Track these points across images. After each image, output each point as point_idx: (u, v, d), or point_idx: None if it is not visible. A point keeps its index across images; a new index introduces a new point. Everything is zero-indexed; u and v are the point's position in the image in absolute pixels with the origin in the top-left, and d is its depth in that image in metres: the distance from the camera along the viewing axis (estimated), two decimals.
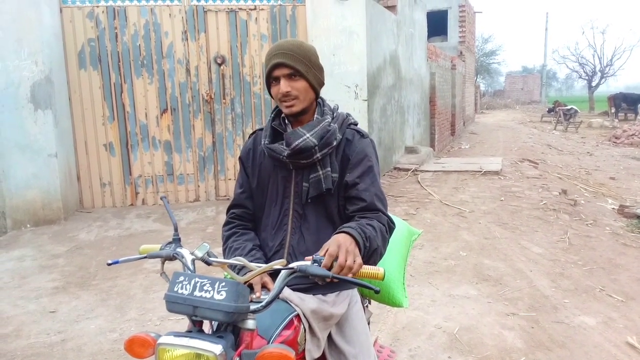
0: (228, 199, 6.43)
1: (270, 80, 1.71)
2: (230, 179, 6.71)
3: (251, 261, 1.56)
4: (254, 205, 1.88)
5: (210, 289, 1.26)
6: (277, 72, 1.68)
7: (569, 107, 20.62)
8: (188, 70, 6.48)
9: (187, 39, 6.43)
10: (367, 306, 2.08)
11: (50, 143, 5.85)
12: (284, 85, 1.67)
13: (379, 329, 3.31)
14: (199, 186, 6.70)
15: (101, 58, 6.31)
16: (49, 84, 5.83)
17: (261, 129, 1.89)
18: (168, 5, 6.35)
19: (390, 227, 1.71)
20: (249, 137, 1.92)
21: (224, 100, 6.59)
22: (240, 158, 1.90)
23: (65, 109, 6.18)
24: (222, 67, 6.52)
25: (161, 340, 1.27)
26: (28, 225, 5.84)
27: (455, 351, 3.08)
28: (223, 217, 1.96)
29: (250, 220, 1.89)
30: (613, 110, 24.63)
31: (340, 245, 1.42)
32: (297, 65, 1.67)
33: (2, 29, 5.63)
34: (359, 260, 1.40)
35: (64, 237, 5.47)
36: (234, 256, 1.70)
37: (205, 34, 6.45)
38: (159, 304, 3.82)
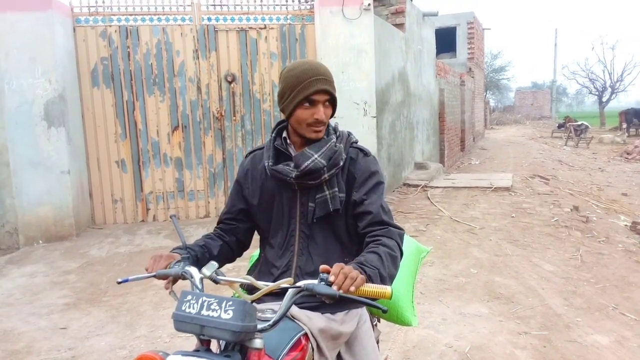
0: None
1: (304, 102, 1.68)
2: None
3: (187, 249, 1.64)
4: (236, 223, 1.90)
5: (217, 308, 1.27)
6: (318, 97, 1.67)
7: (579, 122, 20.51)
8: (199, 88, 6.56)
9: (198, 58, 6.51)
10: (376, 325, 2.06)
11: (63, 160, 5.92)
12: (322, 113, 1.68)
13: (389, 348, 3.29)
14: (209, 202, 6.73)
15: (114, 76, 6.41)
16: (62, 101, 5.92)
17: (257, 150, 1.89)
18: (180, 25, 6.45)
19: (400, 236, 1.70)
20: (245, 157, 1.91)
21: (234, 118, 6.65)
22: (237, 180, 1.89)
23: (78, 126, 6.27)
24: (232, 85, 6.60)
25: (169, 359, 1.28)
26: (40, 242, 5.90)
27: None
28: None
29: (233, 235, 1.91)
30: (624, 125, 24.48)
31: (343, 265, 1.42)
32: (334, 93, 1.71)
33: (17, 48, 5.74)
34: (360, 278, 1.39)
35: (75, 253, 5.51)
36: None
37: (216, 52, 6.54)
38: (168, 321, 3.82)
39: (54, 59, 5.85)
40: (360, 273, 1.42)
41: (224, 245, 1.87)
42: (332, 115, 1.76)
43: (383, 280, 1.52)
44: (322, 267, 1.41)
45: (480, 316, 3.80)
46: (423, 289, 4.31)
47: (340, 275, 1.36)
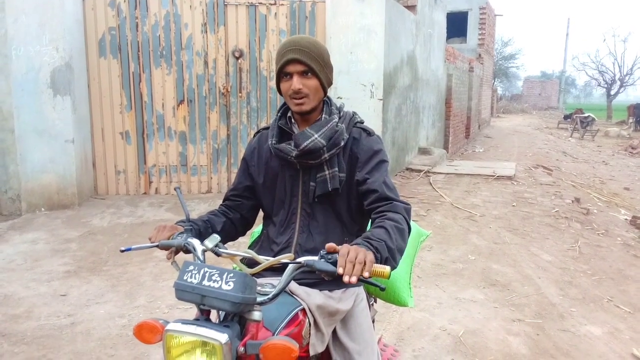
0: None
1: (282, 75, 1.70)
2: None
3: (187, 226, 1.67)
4: (241, 199, 1.92)
5: (218, 279, 1.29)
6: (291, 68, 1.67)
7: (586, 114, 20.39)
8: (206, 63, 6.53)
9: (206, 32, 6.47)
10: (372, 305, 2.09)
11: (68, 129, 5.93)
12: (297, 82, 1.66)
13: (384, 328, 3.33)
14: (211, 178, 6.75)
15: (121, 47, 6.38)
16: (69, 70, 5.91)
17: (265, 128, 1.90)
18: None
19: (407, 210, 1.69)
20: (254, 136, 1.94)
21: (240, 94, 6.62)
22: (244, 159, 1.91)
23: (84, 96, 6.26)
24: (239, 60, 6.56)
25: (169, 327, 1.31)
26: (42, 209, 5.94)
27: (459, 354, 3.09)
28: None
29: (237, 212, 1.94)
30: (631, 120, 24.32)
31: (350, 248, 1.38)
32: (311, 63, 1.67)
33: (25, 13, 5.71)
34: (370, 256, 1.36)
35: (77, 222, 5.55)
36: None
37: (224, 27, 6.49)
38: (168, 292, 3.87)
39: (62, 27, 5.81)
40: (367, 249, 1.41)
41: (227, 222, 1.89)
42: (324, 88, 1.74)
43: (391, 253, 1.51)
44: (329, 245, 1.38)
45: (475, 302, 3.84)
46: (420, 273, 4.35)
47: (348, 264, 1.32)
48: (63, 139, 5.93)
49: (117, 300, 3.77)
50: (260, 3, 6.52)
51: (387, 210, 1.65)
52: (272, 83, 6.66)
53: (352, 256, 1.33)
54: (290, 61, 1.66)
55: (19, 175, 5.93)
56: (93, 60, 6.33)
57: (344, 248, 1.36)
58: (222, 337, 1.26)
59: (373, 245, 1.46)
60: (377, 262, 1.42)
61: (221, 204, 1.97)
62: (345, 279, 1.31)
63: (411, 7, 8.71)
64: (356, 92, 6.51)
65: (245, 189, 1.91)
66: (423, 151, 9.76)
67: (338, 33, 6.50)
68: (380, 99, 6.76)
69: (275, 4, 6.54)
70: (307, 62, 1.66)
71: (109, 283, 4.06)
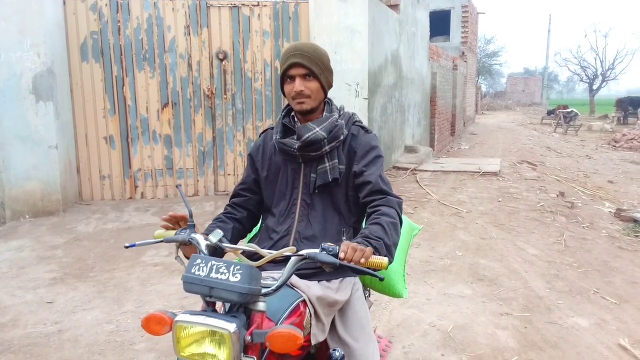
0: (227, 194, 6.45)
1: (285, 78, 1.84)
2: (229, 175, 6.74)
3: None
4: (251, 194, 2.00)
5: (225, 271, 1.35)
6: (293, 71, 1.80)
7: (569, 109, 20.63)
8: (190, 65, 6.50)
9: (189, 34, 6.44)
10: (367, 297, 2.15)
11: (51, 134, 5.87)
12: (298, 84, 1.79)
13: (374, 326, 3.33)
14: (198, 181, 6.72)
15: (103, 51, 6.33)
16: (51, 75, 5.85)
17: (271, 128, 2.03)
18: (171, 0, 6.36)
19: (399, 204, 1.81)
20: (260, 135, 2.07)
21: (225, 96, 6.60)
22: (250, 154, 2.03)
23: (67, 101, 6.20)
24: (223, 62, 6.54)
25: (178, 318, 1.35)
26: (27, 216, 5.87)
27: (449, 349, 3.11)
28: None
29: (245, 209, 2.00)
30: (613, 114, 24.63)
31: (350, 243, 1.49)
32: (312, 66, 1.80)
33: (5, 19, 5.64)
34: (369, 249, 1.49)
35: (62, 228, 5.50)
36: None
37: (207, 29, 6.47)
38: (156, 296, 3.84)
39: (43, 32, 5.75)
40: (366, 246, 1.52)
41: (235, 227, 1.95)
42: (325, 90, 1.87)
43: (388, 249, 1.65)
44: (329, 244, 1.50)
45: (463, 297, 3.87)
46: (409, 270, 4.36)
47: (350, 249, 1.45)
48: (46, 144, 5.87)
49: (104, 306, 3.73)
50: (243, 4, 6.51)
51: (381, 205, 1.77)
52: (257, 84, 6.65)
53: (353, 246, 1.47)
54: (293, 65, 1.80)
55: (2, 182, 5.85)
56: (75, 65, 6.27)
57: (344, 244, 1.48)
58: (231, 326, 1.31)
59: (372, 244, 1.57)
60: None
61: (228, 204, 2.04)
62: (346, 261, 1.44)
63: (394, 6, 8.75)
64: (341, 92, 6.52)
65: (254, 183, 2.00)
66: (409, 149, 9.80)
67: (322, 33, 6.51)
68: (366, 98, 6.78)
69: (258, 5, 6.53)
70: (308, 65, 1.79)
71: (95, 289, 4.03)
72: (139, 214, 5.95)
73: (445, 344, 3.17)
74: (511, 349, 3.13)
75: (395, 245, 1.72)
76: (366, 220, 1.78)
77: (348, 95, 6.64)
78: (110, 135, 6.46)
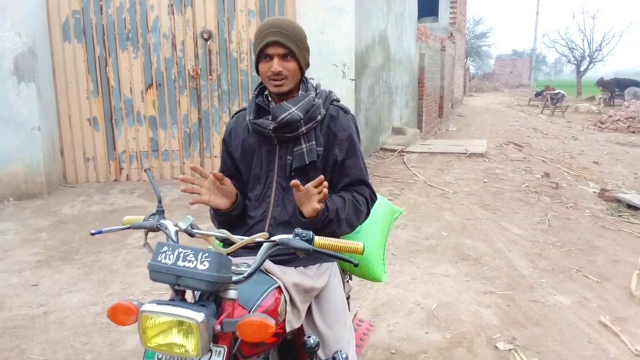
0: None
1: (262, 56, 1.73)
2: (216, 156, 6.70)
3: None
4: (236, 183, 1.89)
5: (193, 259, 1.30)
6: (271, 50, 1.70)
7: (556, 91, 20.70)
8: (174, 45, 6.41)
9: (173, 13, 6.34)
10: (347, 281, 2.12)
11: (34, 116, 5.79)
12: (277, 65, 1.69)
13: (359, 305, 3.37)
14: (184, 163, 6.68)
15: (86, 31, 6.22)
16: (33, 56, 5.75)
17: (243, 110, 1.93)
18: None
19: (372, 197, 1.83)
20: (232, 117, 1.96)
21: (210, 77, 6.54)
22: (223, 139, 1.94)
23: (49, 82, 6.10)
24: (208, 42, 6.46)
25: (144, 307, 1.30)
26: (11, 199, 5.81)
27: (433, 327, 3.15)
28: None
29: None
30: (600, 95, 24.77)
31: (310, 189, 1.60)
32: (292, 46, 1.70)
33: None
34: (320, 203, 1.59)
35: (47, 211, 5.45)
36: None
37: (191, 8, 6.37)
38: (141, 278, 3.84)
39: (23, 11, 5.63)
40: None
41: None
42: (302, 70, 1.78)
43: (338, 220, 1.69)
44: (293, 182, 1.56)
45: (448, 276, 3.91)
46: (395, 250, 4.40)
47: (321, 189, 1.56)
48: (29, 126, 5.79)
49: (90, 288, 3.72)
50: None
51: (355, 191, 1.79)
52: (243, 65, 6.58)
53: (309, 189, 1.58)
54: (271, 43, 1.69)
55: None
56: (57, 45, 6.16)
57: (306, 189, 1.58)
58: (199, 316, 1.26)
59: (328, 207, 1.65)
60: (319, 219, 1.64)
61: None
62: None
63: None
64: (328, 73, 6.47)
65: (235, 169, 1.92)
66: (397, 131, 9.80)
67: (308, 12, 6.44)
68: (353, 79, 6.74)
69: None
70: (287, 45, 1.69)
71: (81, 271, 4.01)
72: (124, 196, 5.91)
73: (429, 322, 3.21)
74: (494, 326, 3.17)
75: (350, 224, 1.74)
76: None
77: (335, 76, 6.59)
78: (94, 116, 6.39)
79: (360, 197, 1.79)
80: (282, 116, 1.72)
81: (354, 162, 1.80)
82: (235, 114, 1.96)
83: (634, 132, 14.22)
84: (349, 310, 2.04)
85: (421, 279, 3.85)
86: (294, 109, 1.73)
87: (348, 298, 2.12)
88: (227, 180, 1.74)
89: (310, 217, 1.64)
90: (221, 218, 1.81)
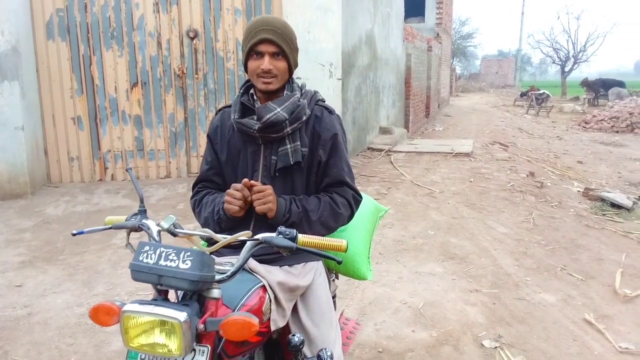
0: None
1: (252, 53, 1.72)
2: (202, 156, 6.63)
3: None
4: (222, 181, 1.90)
5: (175, 258, 1.29)
6: (263, 48, 1.69)
7: (541, 91, 20.90)
8: (159, 44, 6.36)
9: (158, 12, 6.29)
10: (333, 280, 2.12)
11: (17, 115, 5.71)
12: (267, 63, 1.69)
13: (346, 304, 3.37)
14: (170, 162, 6.63)
15: (70, 29, 6.15)
16: (16, 54, 5.67)
17: (228, 106, 1.91)
18: None
19: (355, 199, 1.83)
20: (216, 114, 1.94)
21: (196, 76, 6.50)
22: (208, 135, 1.92)
23: (33, 80, 6.02)
24: (194, 41, 6.42)
25: (126, 307, 1.29)
26: None
27: (419, 325, 3.16)
28: None
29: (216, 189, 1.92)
30: (584, 95, 25.04)
31: (270, 192, 1.67)
32: (283, 45, 1.70)
33: None
34: (273, 206, 1.68)
35: (30, 211, 5.38)
36: (212, 207, 1.78)
37: (177, 6, 6.32)
38: (127, 279, 3.80)
39: (6, 9, 5.56)
40: (285, 205, 1.70)
41: None
42: (291, 70, 1.78)
43: (309, 223, 1.72)
44: (246, 180, 1.66)
45: (434, 275, 3.92)
46: (382, 249, 4.41)
47: (257, 196, 1.65)
48: (12, 125, 5.71)
49: (74, 289, 3.68)
50: None
51: (335, 192, 1.79)
52: (230, 64, 6.55)
53: (264, 195, 1.66)
54: (263, 41, 1.68)
55: None
56: (41, 44, 6.09)
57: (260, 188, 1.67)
58: (181, 315, 1.26)
59: (293, 205, 1.72)
60: (280, 220, 1.69)
61: (199, 188, 1.92)
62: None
63: None
64: (315, 72, 6.47)
65: (220, 166, 1.89)
66: (384, 131, 9.83)
67: (295, 12, 6.42)
68: (340, 79, 6.74)
69: None
70: (279, 43, 1.69)
71: (65, 272, 3.96)
72: (109, 196, 5.85)
73: (416, 321, 3.22)
74: (480, 324, 3.19)
75: (325, 225, 1.75)
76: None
77: (322, 75, 6.59)
78: (78, 115, 6.32)
79: (340, 198, 1.78)
80: (267, 117, 1.71)
81: (335, 162, 1.79)
82: (219, 110, 1.94)
83: (617, 131, 14.41)
84: (335, 309, 2.04)
85: (408, 278, 3.86)
86: (279, 109, 1.72)
87: (334, 297, 2.13)
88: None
89: (270, 217, 1.69)
90: (231, 224, 1.76)
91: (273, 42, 1.68)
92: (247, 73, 1.77)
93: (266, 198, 1.66)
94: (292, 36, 1.75)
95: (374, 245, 3.78)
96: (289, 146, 1.76)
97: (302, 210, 1.72)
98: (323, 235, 1.67)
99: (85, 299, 3.52)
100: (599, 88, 24.09)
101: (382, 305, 3.42)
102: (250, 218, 1.77)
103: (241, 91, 1.85)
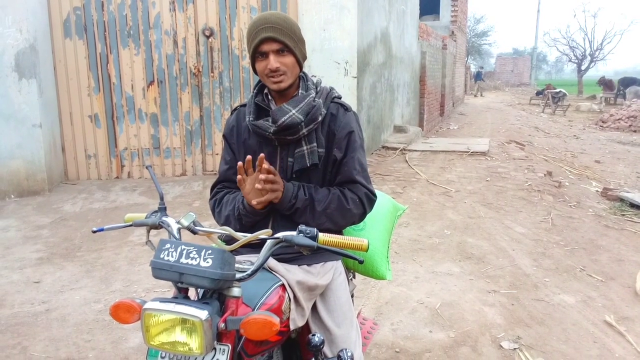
0: (215, 173, 6.40)
1: (257, 55, 1.68)
2: (217, 154, 6.67)
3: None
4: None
5: (196, 256, 1.28)
6: (266, 47, 1.65)
7: (557, 90, 20.67)
8: (175, 42, 6.38)
9: (174, 10, 6.31)
10: (351, 279, 2.11)
11: (35, 113, 5.77)
12: (273, 61, 1.64)
13: (362, 304, 3.35)
14: (185, 160, 6.66)
15: (87, 27, 6.19)
16: (34, 52, 5.72)
17: (243, 106, 1.88)
18: None
19: (369, 197, 1.77)
20: (231, 113, 1.91)
21: (212, 74, 6.51)
22: (224, 135, 1.90)
23: (50, 78, 6.08)
24: (210, 39, 6.43)
25: (147, 305, 1.28)
26: (12, 196, 5.79)
27: (437, 326, 3.14)
28: (209, 192, 1.95)
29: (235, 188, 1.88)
30: (601, 94, 24.73)
31: (280, 181, 1.65)
32: (286, 39, 1.65)
33: None
34: (280, 195, 1.66)
35: (48, 208, 5.43)
36: (233, 204, 1.76)
37: (193, 5, 6.34)
38: (144, 276, 3.82)
39: (25, 8, 5.61)
40: (292, 190, 1.67)
41: None
42: (300, 63, 1.73)
43: (313, 213, 1.69)
44: (261, 157, 1.58)
45: (451, 275, 3.89)
46: (398, 248, 4.38)
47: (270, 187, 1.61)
48: (30, 123, 5.77)
49: (92, 285, 3.71)
50: None
51: (348, 189, 1.74)
52: (245, 62, 6.56)
53: (270, 186, 1.62)
54: (265, 40, 1.64)
55: None
56: (58, 42, 6.14)
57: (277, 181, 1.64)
58: (202, 313, 1.25)
59: (301, 191, 1.69)
60: (286, 206, 1.67)
61: (219, 189, 1.89)
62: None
63: None
64: (330, 70, 6.45)
65: (236, 172, 1.84)
66: (398, 129, 9.78)
67: (310, 10, 6.41)
68: (355, 77, 6.72)
69: None
70: (281, 39, 1.63)
71: (83, 269, 3.99)
72: (125, 193, 5.89)
73: (433, 321, 3.19)
74: (498, 325, 3.16)
75: (332, 220, 1.70)
76: None
77: (337, 73, 6.57)
78: (95, 113, 6.36)
79: (351, 194, 1.73)
80: (283, 119, 1.67)
81: (348, 160, 1.75)
82: (235, 109, 1.91)
83: (635, 131, 14.19)
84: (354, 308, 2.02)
85: (424, 278, 3.83)
86: (294, 111, 1.68)
87: (352, 296, 2.11)
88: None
89: (275, 202, 1.68)
90: (251, 219, 1.74)
91: (275, 39, 1.63)
92: (257, 75, 1.74)
93: (275, 186, 1.64)
94: (294, 28, 1.69)
95: (390, 242, 3.75)
96: (305, 148, 1.73)
97: (308, 197, 1.69)
98: (328, 229, 1.66)
99: (102, 296, 3.54)
100: (621, 86, 23.69)
101: (398, 305, 3.40)
102: (269, 215, 1.75)
103: (254, 91, 1.81)
